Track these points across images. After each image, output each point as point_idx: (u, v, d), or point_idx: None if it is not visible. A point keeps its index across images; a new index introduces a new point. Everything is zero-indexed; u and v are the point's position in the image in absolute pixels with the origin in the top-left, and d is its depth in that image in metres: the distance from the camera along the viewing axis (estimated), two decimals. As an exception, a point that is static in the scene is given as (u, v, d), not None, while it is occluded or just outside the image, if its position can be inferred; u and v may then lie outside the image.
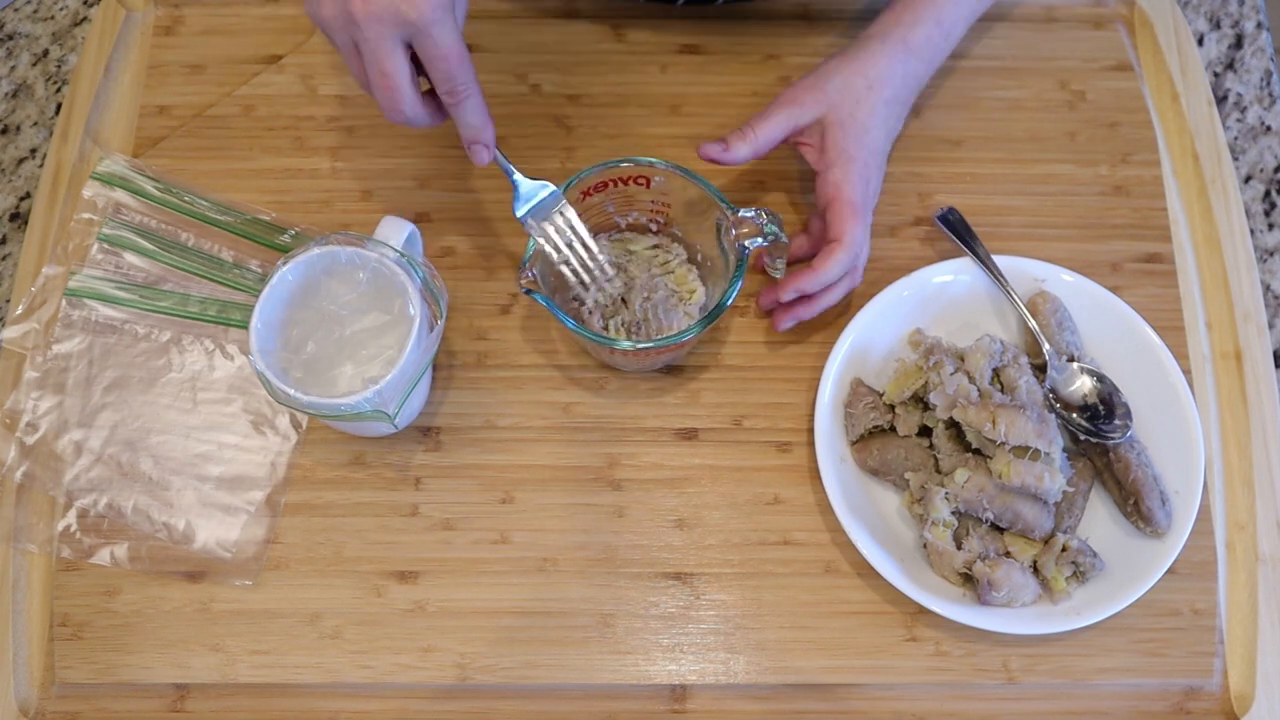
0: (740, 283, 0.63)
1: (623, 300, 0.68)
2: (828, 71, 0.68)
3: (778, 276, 0.68)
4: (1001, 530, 0.65)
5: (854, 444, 0.68)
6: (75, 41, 0.81)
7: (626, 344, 0.63)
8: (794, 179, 0.75)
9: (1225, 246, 0.74)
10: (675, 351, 0.65)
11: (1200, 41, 0.83)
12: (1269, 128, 0.80)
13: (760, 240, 0.63)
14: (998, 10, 0.80)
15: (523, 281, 0.61)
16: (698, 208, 0.66)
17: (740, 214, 0.63)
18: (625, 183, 0.66)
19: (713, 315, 0.63)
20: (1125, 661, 0.65)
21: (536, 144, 0.75)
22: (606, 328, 0.68)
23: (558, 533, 0.67)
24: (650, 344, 0.62)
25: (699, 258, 0.70)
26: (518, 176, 0.63)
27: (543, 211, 0.63)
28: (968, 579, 0.64)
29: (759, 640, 0.65)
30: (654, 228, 0.70)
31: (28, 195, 0.76)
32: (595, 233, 0.70)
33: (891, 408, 0.68)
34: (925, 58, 0.70)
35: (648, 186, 0.66)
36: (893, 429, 0.67)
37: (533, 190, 0.63)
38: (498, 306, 0.72)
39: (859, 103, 0.67)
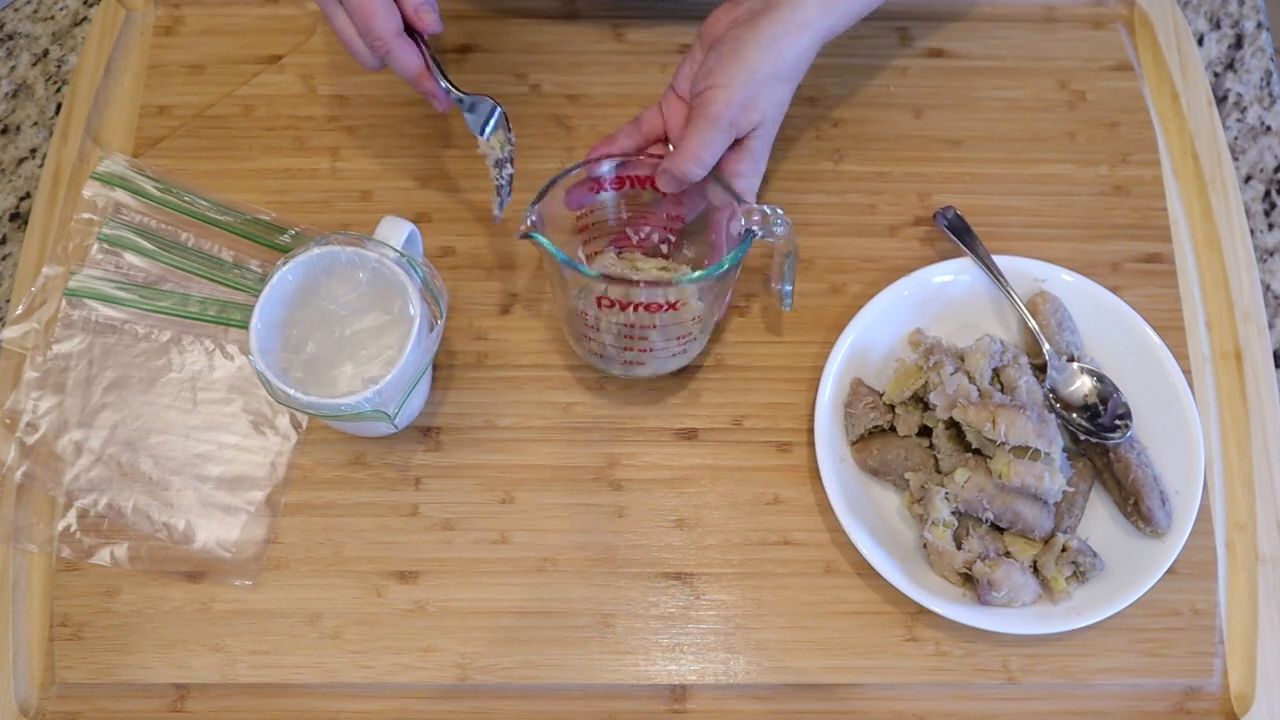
0: (744, 253, 0.60)
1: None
2: (756, 78, 0.62)
3: (786, 309, 0.68)
4: (1001, 530, 0.65)
5: (854, 444, 0.68)
6: (75, 41, 0.81)
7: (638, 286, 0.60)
8: (792, 178, 0.75)
9: (1225, 246, 0.74)
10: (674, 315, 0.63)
11: (1200, 41, 0.83)
12: (1269, 128, 0.80)
13: (766, 233, 0.61)
14: (998, 10, 0.80)
15: (523, 228, 0.60)
16: (708, 215, 0.65)
17: (750, 205, 0.62)
18: (641, 185, 0.65)
19: (711, 272, 0.60)
20: (1125, 661, 0.65)
21: (536, 144, 0.75)
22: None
23: (558, 533, 0.67)
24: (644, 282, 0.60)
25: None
26: (464, 97, 0.64)
27: (490, 127, 0.65)
28: (968, 579, 0.64)
29: (759, 640, 0.65)
30: (664, 248, 0.68)
31: (28, 195, 0.76)
32: (606, 247, 0.69)
33: (891, 408, 0.68)
34: (820, 40, 0.65)
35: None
36: (893, 429, 0.68)
37: (479, 106, 0.64)
38: (498, 306, 0.72)
39: (783, 107, 0.65)
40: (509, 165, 0.65)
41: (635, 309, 0.61)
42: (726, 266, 0.60)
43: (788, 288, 0.67)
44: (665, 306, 0.61)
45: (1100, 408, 0.67)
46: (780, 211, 0.62)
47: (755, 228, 0.61)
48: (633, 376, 0.69)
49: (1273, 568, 0.67)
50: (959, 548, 0.64)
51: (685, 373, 0.70)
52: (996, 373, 0.67)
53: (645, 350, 0.65)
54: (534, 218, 0.60)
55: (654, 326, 0.63)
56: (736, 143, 0.65)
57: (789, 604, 0.66)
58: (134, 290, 0.71)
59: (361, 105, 0.77)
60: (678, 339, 0.64)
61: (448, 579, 0.66)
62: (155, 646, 0.64)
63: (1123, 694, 0.65)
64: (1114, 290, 0.70)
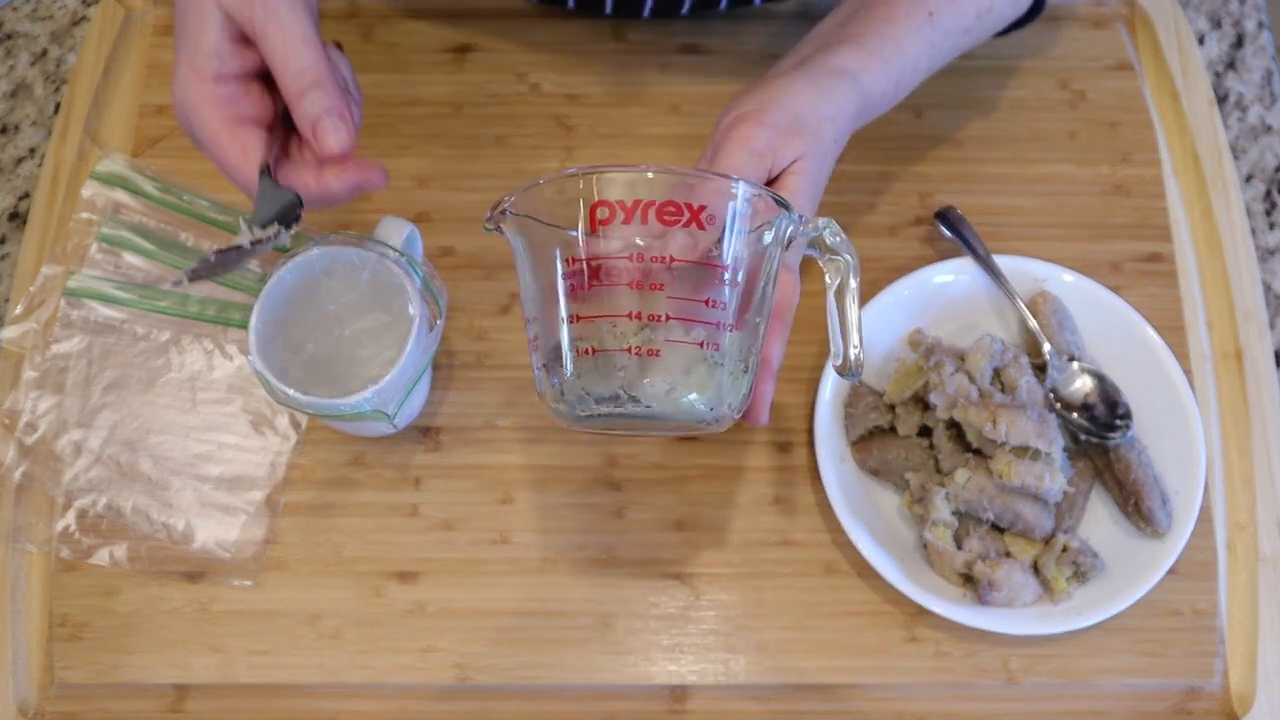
0: (788, 230, 0.51)
1: None
2: (798, 110, 0.55)
3: (853, 379, 0.55)
4: (1002, 530, 0.65)
5: (854, 444, 0.68)
6: (74, 41, 0.81)
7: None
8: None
9: (1226, 246, 0.74)
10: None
11: (1201, 41, 0.82)
12: (1270, 127, 0.80)
13: (811, 242, 0.52)
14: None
15: (487, 225, 0.53)
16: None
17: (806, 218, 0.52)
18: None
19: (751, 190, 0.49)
20: (1126, 662, 0.65)
21: (536, 144, 0.75)
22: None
23: (558, 533, 0.67)
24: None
25: None
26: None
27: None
28: (968, 579, 0.64)
29: (759, 640, 0.65)
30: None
31: (27, 195, 0.76)
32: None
33: (892, 408, 0.68)
34: (871, 114, 0.61)
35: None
36: (893, 429, 0.67)
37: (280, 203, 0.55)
38: (498, 306, 0.72)
39: (828, 153, 0.57)
40: (254, 251, 0.54)
41: (645, 260, 0.49)
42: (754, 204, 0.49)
43: (855, 349, 0.52)
44: (689, 216, 0.48)
45: (1101, 408, 0.67)
46: (834, 223, 0.51)
47: (799, 230, 0.51)
48: (633, 422, 0.52)
49: (1274, 568, 0.67)
50: (959, 548, 0.64)
51: (685, 373, 0.70)
52: (997, 373, 0.67)
53: (660, 334, 0.49)
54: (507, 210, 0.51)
55: (666, 286, 0.49)
56: (771, 182, 0.56)
57: (789, 604, 0.66)
58: (133, 290, 0.71)
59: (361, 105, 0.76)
60: (703, 325, 0.50)
61: (448, 579, 0.66)
62: (155, 647, 0.64)
63: (1123, 694, 0.65)
64: (1114, 290, 0.70)
